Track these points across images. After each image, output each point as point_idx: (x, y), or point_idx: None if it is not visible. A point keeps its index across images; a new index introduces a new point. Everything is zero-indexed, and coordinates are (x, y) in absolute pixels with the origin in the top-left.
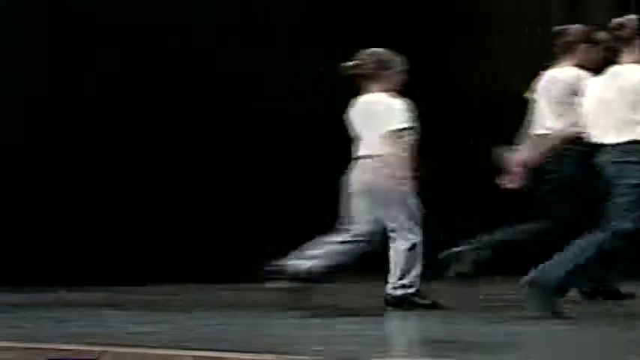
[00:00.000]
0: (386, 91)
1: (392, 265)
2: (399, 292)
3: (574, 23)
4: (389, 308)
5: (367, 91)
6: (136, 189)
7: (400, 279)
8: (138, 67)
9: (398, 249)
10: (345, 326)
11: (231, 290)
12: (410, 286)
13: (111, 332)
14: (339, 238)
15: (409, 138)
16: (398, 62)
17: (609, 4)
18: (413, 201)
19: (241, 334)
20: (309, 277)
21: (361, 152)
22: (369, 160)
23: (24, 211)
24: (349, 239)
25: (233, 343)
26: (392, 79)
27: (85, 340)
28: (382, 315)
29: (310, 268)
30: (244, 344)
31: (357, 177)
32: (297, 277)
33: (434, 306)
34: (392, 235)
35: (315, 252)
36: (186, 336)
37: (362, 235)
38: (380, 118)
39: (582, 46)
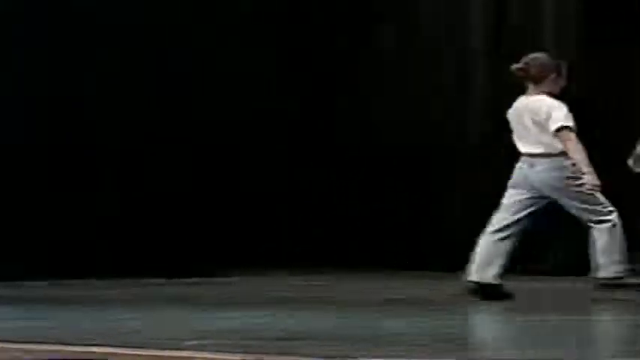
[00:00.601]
0: (547, 94)
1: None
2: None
3: None
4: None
5: (530, 93)
6: (136, 189)
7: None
8: (138, 67)
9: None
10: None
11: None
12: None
13: None
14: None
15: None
16: (559, 67)
17: None
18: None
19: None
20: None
21: (526, 150)
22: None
23: (24, 211)
24: None
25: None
26: (553, 83)
27: None
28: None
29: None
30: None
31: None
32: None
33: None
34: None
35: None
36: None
37: None
38: (543, 117)
39: None
